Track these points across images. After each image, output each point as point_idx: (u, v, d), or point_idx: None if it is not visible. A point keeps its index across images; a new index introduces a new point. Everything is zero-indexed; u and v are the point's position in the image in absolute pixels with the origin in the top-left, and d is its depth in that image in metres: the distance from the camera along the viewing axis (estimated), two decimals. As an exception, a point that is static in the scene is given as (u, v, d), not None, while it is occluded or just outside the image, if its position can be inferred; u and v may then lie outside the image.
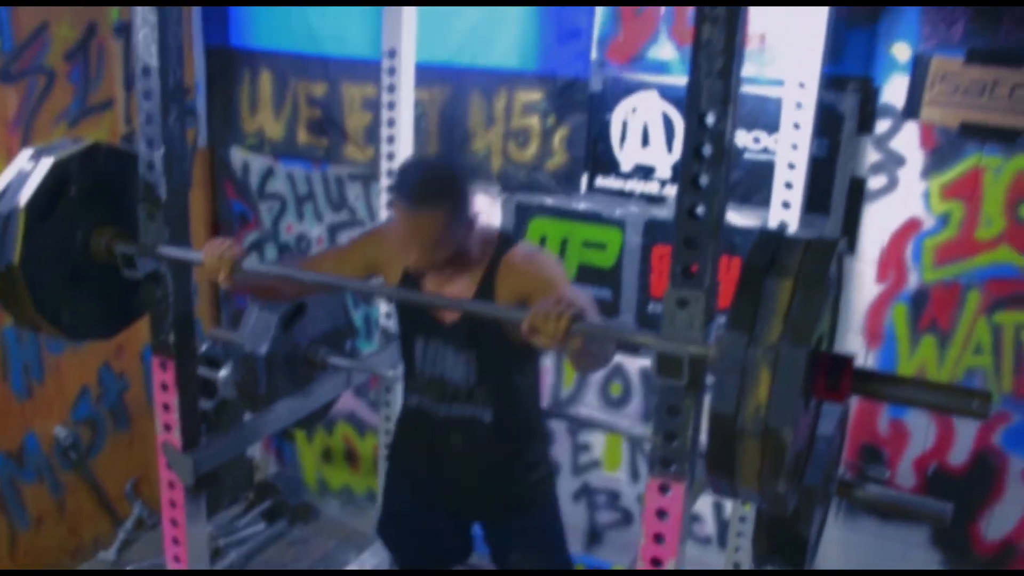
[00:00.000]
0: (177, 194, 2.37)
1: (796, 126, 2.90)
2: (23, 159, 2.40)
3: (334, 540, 4.26)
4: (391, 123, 3.42)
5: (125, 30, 3.82)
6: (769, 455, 1.56)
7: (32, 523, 3.82)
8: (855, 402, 3.18)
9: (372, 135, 3.80)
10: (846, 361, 1.71)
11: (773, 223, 2.99)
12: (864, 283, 3.19)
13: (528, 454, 2.69)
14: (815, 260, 1.60)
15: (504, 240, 2.52)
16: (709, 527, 3.68)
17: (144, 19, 2.25)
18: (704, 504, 3.65)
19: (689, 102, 1.66)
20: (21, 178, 2.34)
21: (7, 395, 3.64)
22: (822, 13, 2.81)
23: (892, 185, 3.08)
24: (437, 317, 2.54)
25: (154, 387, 2.48)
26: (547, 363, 3.72)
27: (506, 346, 2.46)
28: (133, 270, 2.43)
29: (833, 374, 1.71)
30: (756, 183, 3.18)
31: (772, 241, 1.67)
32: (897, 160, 3.06)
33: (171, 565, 2.58)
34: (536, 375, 2.70)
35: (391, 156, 3.45)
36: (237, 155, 4.25)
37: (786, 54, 3.02)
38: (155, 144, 2.33)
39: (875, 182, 3.10)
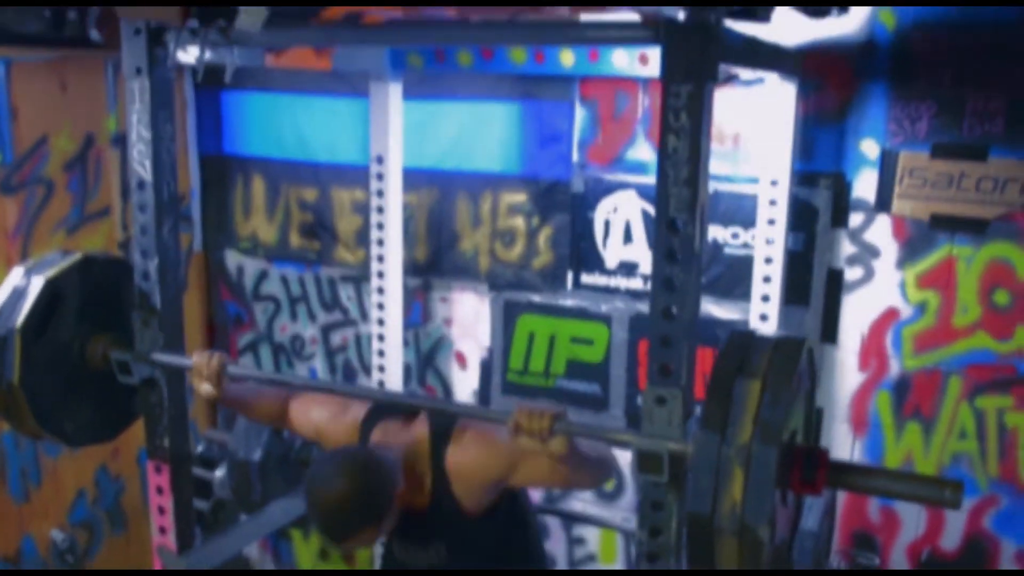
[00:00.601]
0: (171, 303, 2.45)
1: (771, 222, 2.99)
2: (16, 277, 2.49)
3: None
4: (380, 226, 3.51)
5: (122, 141, 3.93)
6: (748, 552, 1.59)
7: (27, 629, 3.80)
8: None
9: (362, 237, 3.89)
10: (820, 455, 1.75)
11: (755, 315, 3.06)
12: (847, 372, 3.24)
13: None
14: (782, 360, 1.66)
15: (434, 437, 2.33)
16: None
17: (139, 135, 2.36)
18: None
19: (658, 208, 1.74)
20: (15, 298, 2.43)
21: (5, 499, 3.67)
22: (790, 113, 2.92)
23: (869, 276, 3.16)
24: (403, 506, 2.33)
25: (149, 490, 2.51)
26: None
27: (468, 523, 2.34)
28: (128, 376, 2.49)
29: (808, 468, 1.74)
30: (736, 277, 3.26)
31: (742, 343, 1.73)
32: (872, 251, 3.14)
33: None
34: (518, 514, 2.50)
35: (381, 258, 3.53)
36: (232, 258, 4.34)
37: (759, 153, 3.13)
38: (149, 255, 2.41)
39: (852, 273, 3.18)
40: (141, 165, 2.38)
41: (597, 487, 2.44)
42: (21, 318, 2.41)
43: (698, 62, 1.72)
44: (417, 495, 2.32)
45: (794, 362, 1.67)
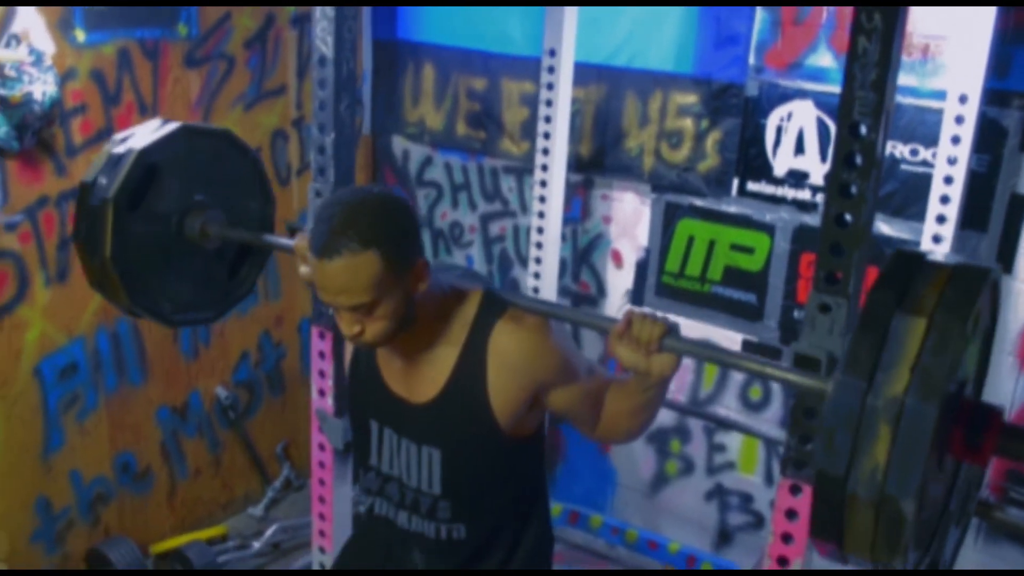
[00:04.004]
0: (344, 178, 2.52)
1: (955, 140, 2.86)
2: (113, 145, 2.37)
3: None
4: (548, 119, 3.52)
5: (300, 21, 4.03)
6: (885, 526, 1.33)
7: (191, 474, 4.09)
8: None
9: (528, 130, 3.90)
10: (993, 415, 1.46)
11: (927, 237, 2.95)
12: (1020, 303, 3.11)
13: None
14: (958, 295, 1.34)
15: (489, 303, 1.90)
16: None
17: (323, 13, 2.40)
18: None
19: (841, 112, 1.68)
20: (110, 167, 2.32)
21: (176, 356, 3.91)
22: (988, 27, 2.76)
23: (1055, 204, 3.01)
24: (401, 393, 1.97)
25: (312, 354, 2.63)
26: (686, 362, 3.76)
27: (491, 442, 1.92)
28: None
29: (974, 429, 1.46)
30: (911, 196, 3.14)
31: (908, 266, 1.42)
32: (1061, 179, 2.98)
33: (316, 523, 2.74)
34: (535, 474, 2.12)
35: (546, 151, 3.54)
36: (398, 143, 4.42)
37: (949, 67, 2.98)
38: (326, 129, 2.47)
39: (1036, 200, 3.03)
40: (323, 42, 2.42)
41: (615, 442, 2.06)
42: (114, 189, 2.27)
43: (899, -40, 1.64)
44: (432, 368, 1.91)
45: (973, 298, 1.34)
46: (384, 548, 2.10)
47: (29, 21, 3.10)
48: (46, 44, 3.15)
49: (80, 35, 3.29)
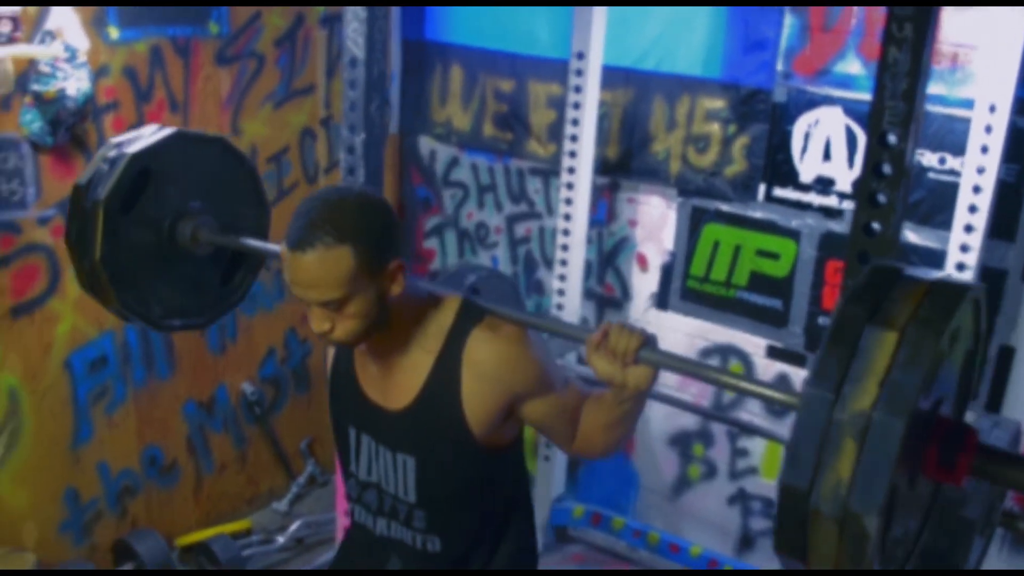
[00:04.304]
0: (373, 177, 2.55)
1: (984, 149, 2.85)
2: (107, 149, 2.38)
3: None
4: (575, 122, 3.53)
5: (330, 21, 4.06)
6: (848, 544, 1.28)
7: (216, 469, 4.14)
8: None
9: (555, 132, 3.92)
10: (968, 434, 1.42)
11: (954, 246, 2.94)
12: (1047, 313, 3.10)
13: None
14: (934, 310, 1.30)
15: (466, 311, 1.87)
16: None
17: (354, 15, 2.43)
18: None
19: (871, 121, 1.69)
20: (104, 171, 2.32)
21: (203, 350, 3.96)
22: (1019, 36, 2.75)
23: (1084, 214, 2.99)
24: (377, 400, 1.93)
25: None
26: (711, 364, 3.76)
27: (465, 451, 1.87)
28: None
29: (949, 448, 1.41)
30: (938, 204, 3.13)
31: (882, 281, 1.37)
32: (1091, 189, 2.96)
33: (339, 518, 2.76)
34: (512, 486, 2.06)
35: (573, 153, 3.56)
36: (425, 143, 4.44)
37: (978, 76, 2.97)
38: (356, 129, 2.50)
39: (1066, 210, 3.01)
40: (355, 43, 2.45)
41: (591, 457, 1.99)
42: (106, 192, 2.27)
43: (931, -29, 1.65)
44: (407, 375, 1.88)
45: (949, 313, 1.30)
46: (365, 555, 2.07)
47: (64, 18, 3.14)
48: (80, 41, 3.19)
49: (114, 32, 3.34)
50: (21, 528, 3.46)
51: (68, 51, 3.12)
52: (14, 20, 2.86)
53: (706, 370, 1.77)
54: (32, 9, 3.05)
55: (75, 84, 3.12)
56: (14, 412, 3.35)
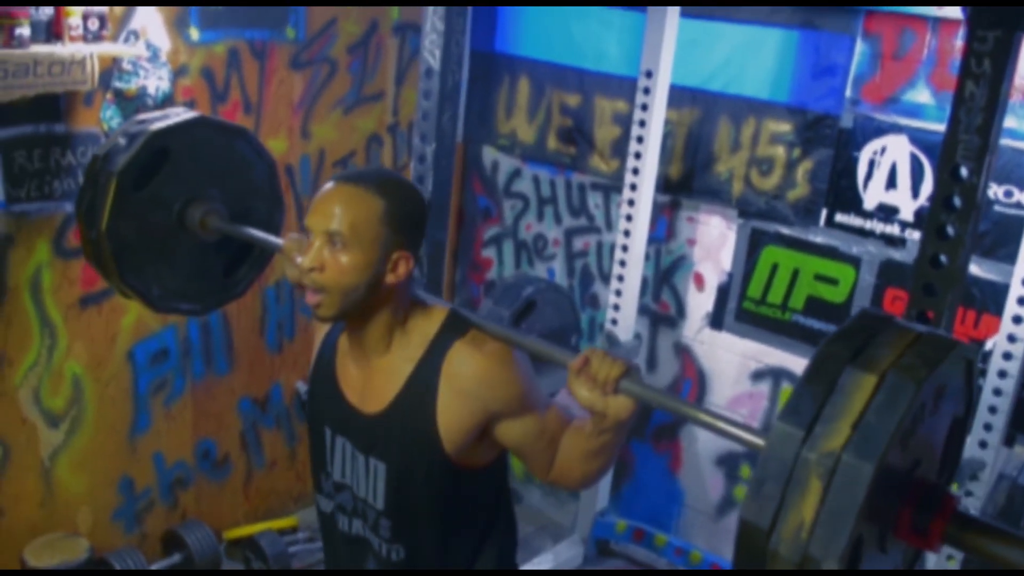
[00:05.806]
0: (442, 186, 2.59)
1: (1053, 184, 2.84)
2: (130, 124, 2.38)
3: (532, 527, 4.43)
4: (640, 139, 3.56)
5: (402, 29, 4.13)
6: None
7: (267, 465, 4.20)
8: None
9: (618, 148, 3.95)
10: (945, 500, 1.35)
11: (1017, 279, 2.92)
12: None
13: None
14: (918, 360, 1.25)
15: (451, 323, 1.84)
16: None
17: (432, 25, 2.48)
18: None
19: (944, 153, 1.71)
20: (123, 145, 2.31)
21: (261, 348, 4.03)
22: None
23: None
24: (354, 402, 1.90)
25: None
26: (761, 387, 3.76)
27: (435, 465, 1.82)
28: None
29: (923, 512, 1.34)
30: (1003, 237, 3.12)
31: (872, 325, 1.33)
32: None
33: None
34: (488, 511, 1.98)
35: (636, 171, 3.58)
36: (488, 153, 4.49)
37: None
38: (428, 139, 2.55)
39: None
40: (431, 54, 2.51)
41: (568, 488, 1.97)
42: (120, 165, 2.26)
43: (1011, 8, 1.65)
44: (385, 380, 1.84)
45: (933, 364, 1.25)
46: (338, 549, 2.04)
47: (148, 19, 3.23)
48: (162, 41, 3.29)
49: (194, 33, 3.42)
50: (76, 513, 3.55)
51: (150, 50, 3.21)
52: (101, 19, 2.95)
53: (682, 405, 1.71)
54: (119, 8, 3.14)
55: (155, 83, 3.22)
56: (77, 399, 3.45)
